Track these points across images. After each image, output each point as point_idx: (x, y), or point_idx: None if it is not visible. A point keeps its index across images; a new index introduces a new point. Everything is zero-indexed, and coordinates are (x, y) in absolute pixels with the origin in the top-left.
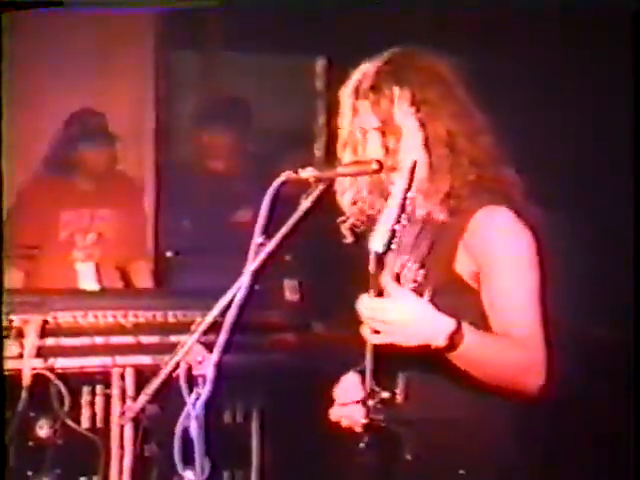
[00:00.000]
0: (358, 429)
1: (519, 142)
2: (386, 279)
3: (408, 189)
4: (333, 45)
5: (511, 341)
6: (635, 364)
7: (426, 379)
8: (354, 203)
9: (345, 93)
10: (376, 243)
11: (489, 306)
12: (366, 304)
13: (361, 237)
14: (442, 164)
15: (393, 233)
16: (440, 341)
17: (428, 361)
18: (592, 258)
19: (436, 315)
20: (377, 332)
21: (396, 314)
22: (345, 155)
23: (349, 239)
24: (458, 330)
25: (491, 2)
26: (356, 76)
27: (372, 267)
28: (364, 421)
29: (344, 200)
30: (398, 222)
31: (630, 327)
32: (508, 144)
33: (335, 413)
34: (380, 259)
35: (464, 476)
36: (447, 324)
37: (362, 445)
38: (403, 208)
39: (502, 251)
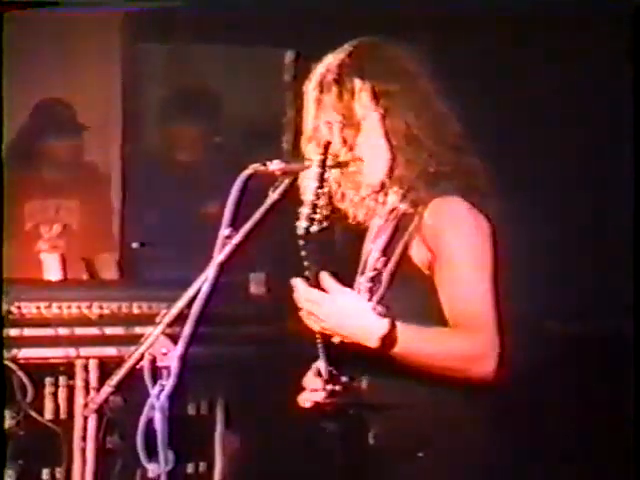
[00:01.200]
0: (320, 411)
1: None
2: (324, 275)
3: (323, 171)
4: (301, 37)
5: (455, 331)
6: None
7: (387, 367)
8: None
9: (310, 87)
10: (299, 226)
11: (442, 294)
12: (303, 294)
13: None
14: (401, 157)
15: (312, 219)
16: (372, 342)
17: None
18: (556, 247)
19: (370, 316)
20: None
21: (330, 312)
22: (310, 149)
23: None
24: (391, 332)
25: (491, 2)
26: (320, 69)
27: (302, 252)
28: (321, 405)
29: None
30: (315, 209)
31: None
32: (486, 135)
33: (303, 399)
34: (308, 244)
35: (422, 458)
36: (379, 326)
37: (326, 429)
38: (318, 194)
39: (454, 240)
